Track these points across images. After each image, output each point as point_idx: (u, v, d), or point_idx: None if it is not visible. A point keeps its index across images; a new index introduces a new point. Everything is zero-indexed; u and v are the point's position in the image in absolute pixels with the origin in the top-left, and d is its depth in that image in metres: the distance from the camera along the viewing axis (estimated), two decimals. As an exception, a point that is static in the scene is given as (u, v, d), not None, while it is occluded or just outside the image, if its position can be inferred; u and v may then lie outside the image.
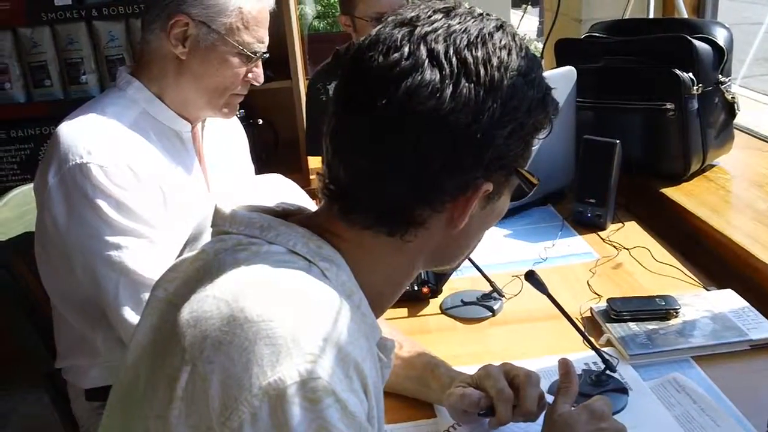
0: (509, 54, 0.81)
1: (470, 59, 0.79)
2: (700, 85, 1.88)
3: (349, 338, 0.76)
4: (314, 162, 2.94)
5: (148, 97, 1.51)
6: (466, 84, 0.78)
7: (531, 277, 1.16)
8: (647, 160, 2.02)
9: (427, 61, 0.78)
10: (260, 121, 2.94)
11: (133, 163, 1.43)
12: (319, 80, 2.60)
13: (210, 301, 0.78)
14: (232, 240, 0.85)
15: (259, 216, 0.86)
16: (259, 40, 1.50)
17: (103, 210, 1.39)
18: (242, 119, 1.88)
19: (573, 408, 1.04)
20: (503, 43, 0.81)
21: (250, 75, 1.52)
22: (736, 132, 2.10)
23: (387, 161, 0.80)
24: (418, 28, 0.80)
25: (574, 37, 2.27)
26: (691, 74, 1.87)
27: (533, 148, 0.87)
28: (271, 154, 2.94)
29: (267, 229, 0.84)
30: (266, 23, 1.51)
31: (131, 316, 1.41)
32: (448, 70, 0.78)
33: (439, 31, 0.80)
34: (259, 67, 1.53)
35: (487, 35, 0.81)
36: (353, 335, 0.77)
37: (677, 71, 1.85)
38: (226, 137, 1.73)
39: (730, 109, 1.99)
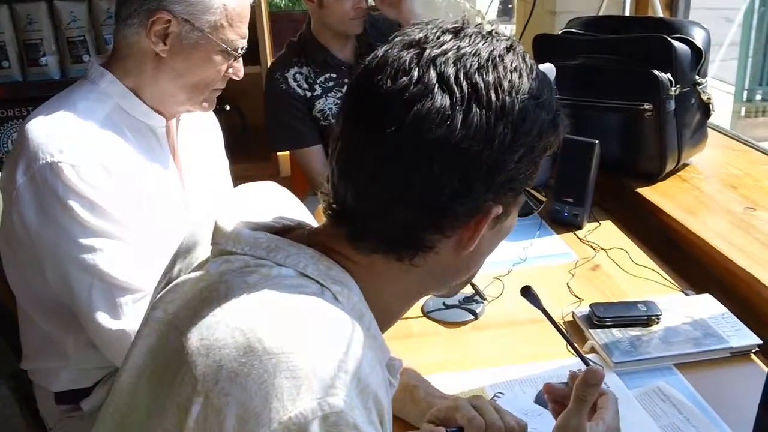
0: (520, 77, 0.79)
1: (481, 84, 0.77)
2: (678, 86, 1.88)
3: (368, 368, 0.74)
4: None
5: (122, 91, 1.45)
6: (477, 110, 0.76)
7: (528, 293, 1.14)
8: (623, 159, 2.03)
9: (437, 85, 0.76)
10: (227, 107, 2.88)
11: (106, 161, 1.38)
12: (276, 70, 2.56)
13: (222, 329, 0.75)
14: (239, 261, 0.82)
15: (265, 236, 0.84)
16: (242, 36, 1.45)
17: (76, 211, 1.33)
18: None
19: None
20: (514, 65, 0.79)
21: (230, 70, 1.48)
22: (708, 130, 2.11)
23: (397, 188, 0.78)
24: (427, 51, 0.78)
25: (552, 33, 2.25)
26: (669, 75, 1.87)
27: None
28: (238, 140, 2.88)
29: (274, 250, 0.82)
30: (248, 17, 1.46)
31: (105, 320, 1.37)
32: (458, 96, 0.76)
33: (449, 54, 0.78)
34: (240, 61, 1.49)
35: (497, 58, 0.79)
36: (371, 365, 0.75)
37: (656, 72, 1.85)
38: (200, 132, 1.68)
39: (706, 109, 2.00)
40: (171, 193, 1.53)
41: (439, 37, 0.80)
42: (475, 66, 0.77)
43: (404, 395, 1.19)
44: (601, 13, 2.51)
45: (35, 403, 1.64)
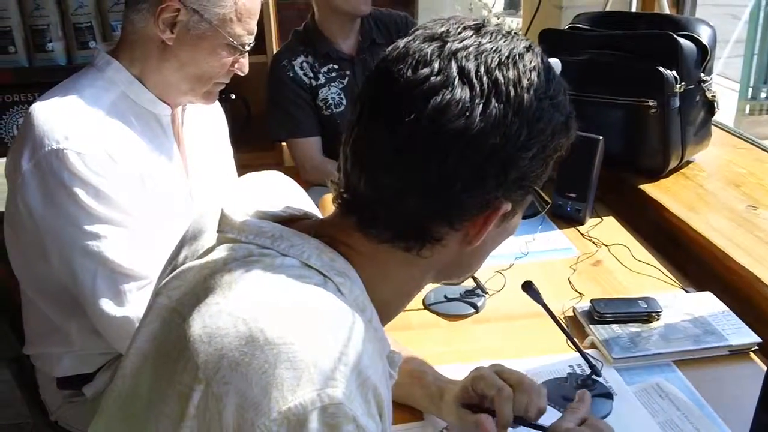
0: (539, 76, 0.80)
1: (501, 79, 0.78)
2: (683, 83, 1.88)
3: (368, 361, 0.75)
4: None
5: (128, 79, 1.46)
6: (496, 104, 0.77)
7: (529, 288, 1.15)
8: (626, 155, 2.02)
9: (457, 78, 0.77)
10: (233, 96, 2.89)
11: (111, 148, 1.39)
12: (284, 57, 2.58)
13: (225, 318, 0.76)
14: (243, 250, 0.83)
15: (270, 225, 0.84)
16: (250, 32, 1.46)
17: (81, 198, 1.34)
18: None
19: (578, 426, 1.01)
20: (533, 64, 0.80)
21: (236, 65, 1.48)
22: (712, 128, 2.11)
23: (411, 177, 0.79)
24: (449, 44, 0.79)
25: (558, 28, 2.25)
26: (674, 72, 1.87)
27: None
28: (243, 129, 2.89)
29: (279, 239, 0.83)
30: (257, 14, 1.47)
31: (109, 307, 1.38)
32: (478, 89, 0.77)
33: (470, 49, 0.79)
34: (245, 57, 1.49)
35: (517, 56, 0.80)
36: (372, 357, 0.76)
37: (661, 69, 1.85)
38: (205, 121, 1.69)
39: (710, 107, 2.00)
40: (175, 181, 1.54)
41: (460, 32, 0.81)
42: (496, 62, 0.79)
43: (412, 381, 1.19)
44: (607, 9, 2.50)
45: (37, 388, 1.65)
